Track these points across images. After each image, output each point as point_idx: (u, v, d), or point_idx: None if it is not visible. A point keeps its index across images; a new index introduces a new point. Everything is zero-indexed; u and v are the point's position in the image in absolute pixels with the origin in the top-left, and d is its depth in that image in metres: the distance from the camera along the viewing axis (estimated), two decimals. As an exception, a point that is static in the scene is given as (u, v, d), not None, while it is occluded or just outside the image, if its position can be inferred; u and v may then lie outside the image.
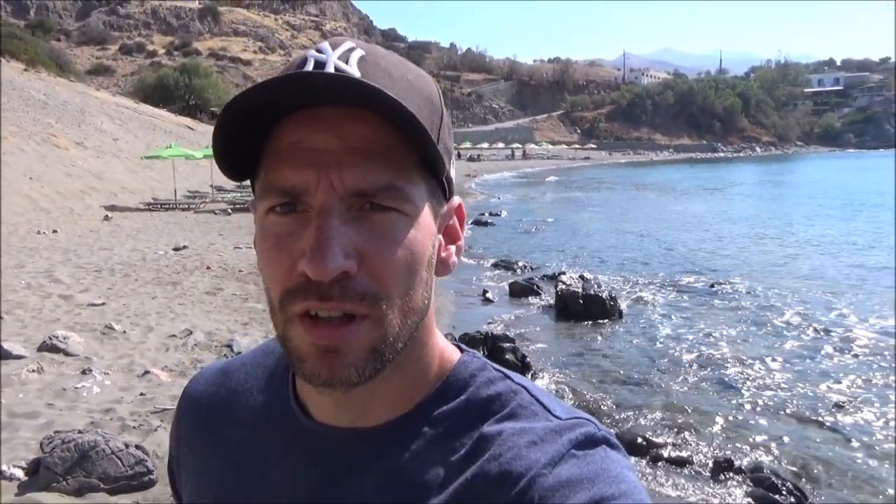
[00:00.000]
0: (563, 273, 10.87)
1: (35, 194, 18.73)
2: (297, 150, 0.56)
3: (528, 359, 6.51)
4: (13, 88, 34.28)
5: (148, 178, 27.02)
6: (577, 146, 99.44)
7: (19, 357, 6.18)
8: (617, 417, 5.74)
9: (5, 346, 6.28)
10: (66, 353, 6.39)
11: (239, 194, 26.85)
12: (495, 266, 12.89)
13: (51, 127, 29.44)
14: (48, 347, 6.45)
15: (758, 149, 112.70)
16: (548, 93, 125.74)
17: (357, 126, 0.56)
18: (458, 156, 75.45)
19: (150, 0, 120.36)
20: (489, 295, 10.28)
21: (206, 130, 50.62)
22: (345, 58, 0.58)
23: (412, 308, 0.59)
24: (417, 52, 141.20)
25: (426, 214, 0.60)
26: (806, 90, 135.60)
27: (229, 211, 21.30)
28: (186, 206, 22.49)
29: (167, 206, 21.95)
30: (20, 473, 4.08)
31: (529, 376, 6.42)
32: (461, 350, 0.69)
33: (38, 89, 37.23)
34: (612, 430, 0.60)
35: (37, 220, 16.23)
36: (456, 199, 0.67)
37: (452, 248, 0.66)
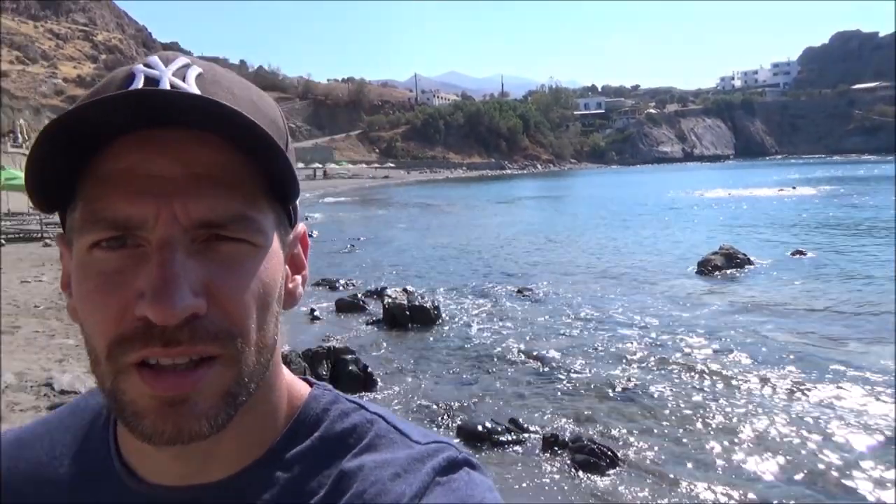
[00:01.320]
0: (387, 288, 11.42)
1: None
2: (131, 178, 0.50)
3: (369, 369, 6.89)
4: None
5: None
6: (376, 165, 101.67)
7: None
8: (456, 410, 6.36)
9: None
10: None
11: (9, 222, 23.88)
12: (317, 285, 13.04)
13: None
14: None
15: (539, 166, 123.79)
16: (344, 112, 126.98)
17: (201, 150, 0.51)
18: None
19: None
20: (316, 313, 10.46)
21: (-45, 151, 43.84)
22: (181, 75, 0.53)
23: (266, 344, 0.54)
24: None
25: (275, 244, 0.56)
26: (575, 112, 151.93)
27: (2, 242, 18.90)
28: (-56, 238, 19.53)
29: (-83, 239, 18.90)
30: None
31: (372, 397, 6.82)
32: (310, 384, 0.65)
33: None
34: (471, 452, 0.64)
35: None
36: (300, 227, 0.63)
37: (298, 278, 0.63)
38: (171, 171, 0.50)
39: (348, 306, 10.69)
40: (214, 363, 0.51)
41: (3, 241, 19.03)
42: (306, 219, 29.72)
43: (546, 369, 7.86)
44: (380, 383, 6.97)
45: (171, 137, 0.51)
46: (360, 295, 11.46)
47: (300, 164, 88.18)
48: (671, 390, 7.13)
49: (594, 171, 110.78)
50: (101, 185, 0.51)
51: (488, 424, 5.73)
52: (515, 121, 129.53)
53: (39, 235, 20.29)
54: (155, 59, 0.55)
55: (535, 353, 8.43)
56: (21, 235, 20.79)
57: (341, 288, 12.80)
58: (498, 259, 16.73)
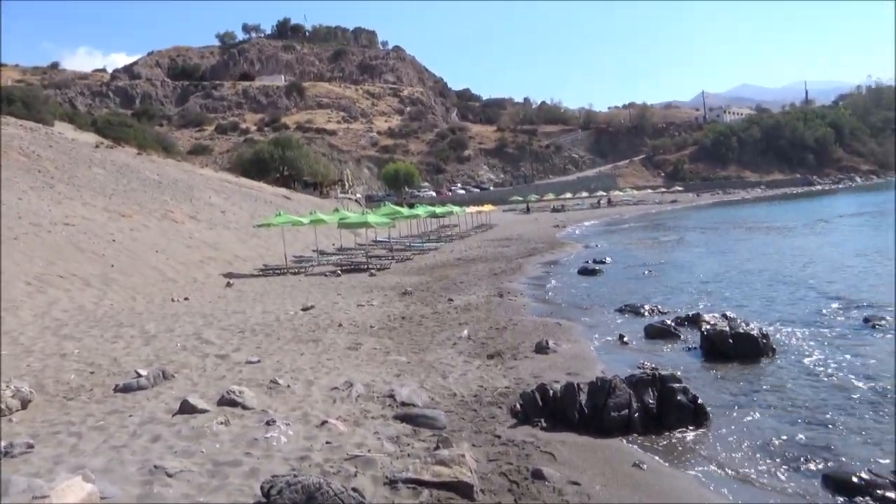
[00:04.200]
0: (701, 315, 10.55)
1: (162, 265, 20.02)
2: None
3: (700, 400, 6.27)
4: (130, 171, 37.25)
5: (256, 245, 28.41)
6: (662, 190, 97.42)
7: (204, 411, 6.53)
8: (814, 454, 5.43)
9: (191, 400, 6.67)
10: (244, 407, 6.69)
11: (342, 257, 27.83)
12: (620, 311, 12.62)
13: (167, 204, 31.66)
14: (227, 402, 6.77)
15: (858, 178, 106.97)
16: (627, 138, 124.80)
17: None
18: (526, 209, 75.30)
19: (241, 82, 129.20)
20: (625, 339, 10.05)
21: (300, 199, 53.01)
22: None
23: None
24: (493, 108, 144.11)
25: None
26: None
27: (338, 273, 22.00)
28: (297, 270, 23.41)
29: (279, 271, 22.92)
30: (247, 518, 4.26)
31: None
32: None
33: (151, 170, 40.25)
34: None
35: (167, 289, 17.28)
36: None
37: None
38: None
39: (659, 332, 10.07)
40: None
41: (339, 272, 22.16)
42: (596, 246, 29.48)
43: (923, 414, 6.38)
44: (712, 417, 6.30)
45: None
46: (668, 321, 10.74)
47: (584, 193, 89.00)
48: None
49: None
50: None
51: (864, 475, 4.75)
52: (824, 130, 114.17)
53: (366, 267, 23.19)
54: None
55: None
56: (352, 267, 23.97)
57: (647, 314, 12.17)
58: (828, 285, 14.48)
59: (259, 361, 8.89)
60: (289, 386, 7.56)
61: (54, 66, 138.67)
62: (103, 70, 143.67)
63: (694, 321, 10.35)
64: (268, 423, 6.12)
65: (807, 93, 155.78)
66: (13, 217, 19.42)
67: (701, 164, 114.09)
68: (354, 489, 4.38)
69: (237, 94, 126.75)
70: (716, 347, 8.76)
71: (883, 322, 10.12)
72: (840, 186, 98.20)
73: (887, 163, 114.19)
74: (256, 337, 10.83)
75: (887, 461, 5.27)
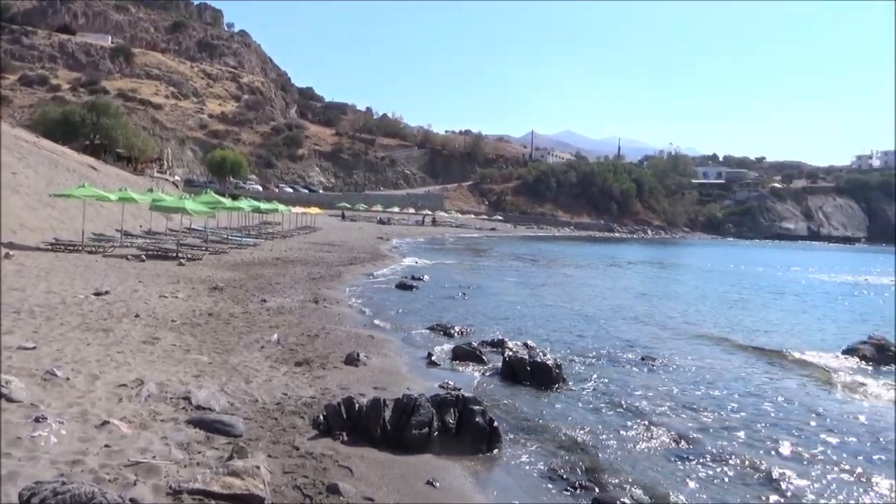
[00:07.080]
0: (505, 341, 11.18)
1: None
2: None
3: (495, 423, 6.61)
4: None
5: (49, 216, 25.37)
6: (484, 217, 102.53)
7: (-43, 402, 5.66)
8: (591, 480, 5.96)
9: (-59, 389, 5.75)
10: (9, 399, 5.91)
11: (149, 241, 25.74)
12: (432, 330, 13.00)
13: (-59, 153, 27.27)
14: (-12, 392, 5.93)
15: (649, 231, 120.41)
16: (459, 163, 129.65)
17: None
18: (341, 216, 75.36)
19: (59, 34, 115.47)
20: (434, 358, 10.35)
21: (110, 172, 48.23)
22: None
23: None
24: (334, 112, 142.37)
25: None
26: (693, 181, 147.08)
27: (143, 258, 20.34)
28: (94, 248, 21.29)
29: (73, 247, 20.71)
30: (-3, 528, 3.75)
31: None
32: None
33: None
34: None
35: (-73, 253, 14.87)
36: None
37: None
38: None
39: (466, 354, 10.50)
40: None
41: (143, 258, 20.47)
42: (415, 263, 30.15)
43: (685, 444, 7.25)
44: (504, 439, 6.68)
45: None
46: (475, 344, 11.26)
47: (411, 209, 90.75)
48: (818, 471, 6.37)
49: (709, 242, 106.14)
50: None
51: (626, 501, 5.30)
52: (629, 184, 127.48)
53: (176, 255, 21.67)
54: None
55: (670, 425, 7.83)
56: (160, 253, 22.27)
57: (456, 335, 12.67)
58: (614, 323, 16.07)
59: (35, 348, 7.92)
60: (68, 378, 6.81)
61: None
62: None
63: (499, 346, 10.96)
64: (37, 420, 5.46)
65: (619, 148, 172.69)
66: None
67: (522, 197, 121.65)
68: (132, 499, 4.03)
69: (52, 45, 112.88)
70: (515, 373, 9.33)
71: (654, 361, 11.45)
72: (634, 236, 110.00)
73: (674, 221, 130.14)
74: (35, 319, 9.65)
75: (653, 486, 5.94)
